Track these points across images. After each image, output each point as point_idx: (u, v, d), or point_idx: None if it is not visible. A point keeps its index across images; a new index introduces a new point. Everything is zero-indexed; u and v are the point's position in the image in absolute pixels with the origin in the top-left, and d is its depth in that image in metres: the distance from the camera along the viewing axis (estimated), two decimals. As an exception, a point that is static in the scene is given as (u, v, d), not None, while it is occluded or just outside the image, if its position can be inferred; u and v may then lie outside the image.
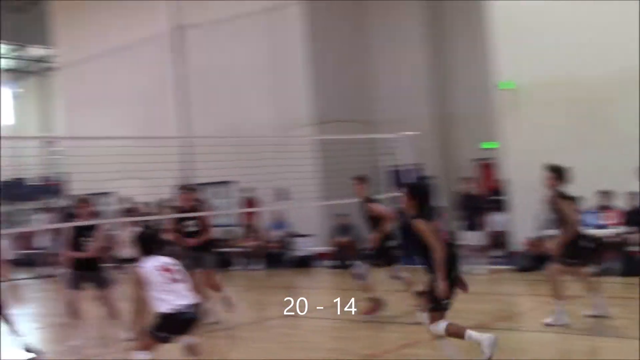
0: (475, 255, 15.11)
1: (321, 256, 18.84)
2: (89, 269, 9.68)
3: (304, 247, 18.95)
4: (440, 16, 20.45)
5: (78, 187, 21.65)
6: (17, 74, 40.05)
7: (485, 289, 13.12)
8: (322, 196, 17.73)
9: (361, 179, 10.85)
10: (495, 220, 17.18)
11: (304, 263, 18.74)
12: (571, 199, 9.11)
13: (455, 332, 6.92)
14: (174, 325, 6.50)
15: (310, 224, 18.93)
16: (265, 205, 18.67)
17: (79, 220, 9.94)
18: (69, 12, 26.51)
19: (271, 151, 17.24)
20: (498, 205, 16.93)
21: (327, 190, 17.57)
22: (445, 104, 20.37)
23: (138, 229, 8.02)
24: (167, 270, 6.64)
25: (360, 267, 10.58)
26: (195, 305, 6.63)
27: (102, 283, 9.74)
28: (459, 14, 20.05)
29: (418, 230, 6.94)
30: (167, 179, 16.93)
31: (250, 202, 19.05)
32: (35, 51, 37.06)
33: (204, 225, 11.10)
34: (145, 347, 6.51)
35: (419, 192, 7.35)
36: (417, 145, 14.93)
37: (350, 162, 17.66)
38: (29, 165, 33.56)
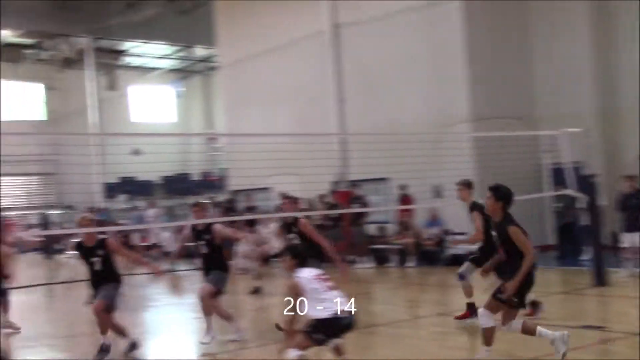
0: (634, 257, 14.36)
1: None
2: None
3: (459, 246, 18.68)
4: (605, 11, 19.58)
5: (237, 182, 22.39)
6: (181, 73, 41.89)
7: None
8: (477, 194, 17.40)
9: (467, 184, 10.58)
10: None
11: (459, 261, 18.46)
12: None
13: (528, 329, 7.41)
14: (331, 329, 6.80)
15: (465, 222, 18.66)
16: (419, 203, 18.55)
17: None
18: (231, 13, 27.42)
19: (427, 148, 17.15)
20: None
21: (483, 189, 17.22)
22: (610, 99, 19.51)
23: (290, 243, 8.27)
24: (322, 279, 6.95)
25: (466, 268, 10.27)
26: (351, 311, 6.84)
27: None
28: (625, 9, 19.12)
29: (513, 235, 7.32)
30: (323, 175, 17.17)
31: (405, 199, 19.00)
32: (199, 51, 38.59)
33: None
34: (300, 347, 6.77)
35: (503, 195, 7.72)
36: (579, 142, 14.42)
37: (508, 159, 17.28)
38: (192, 161, 35.09)
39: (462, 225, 18.70)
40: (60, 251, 31.61)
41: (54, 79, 38.51)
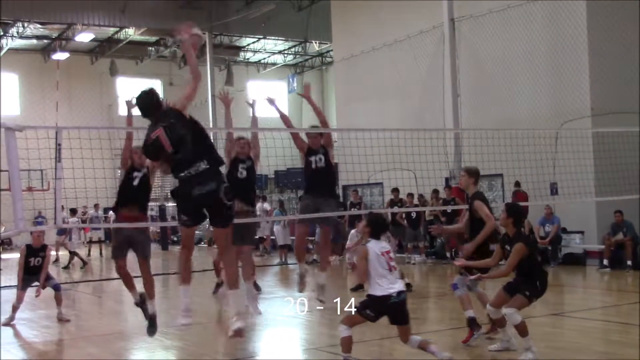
0: None
1: (592, 254, 17.95)
2: None
3: (575, 244, 18.14)
4: None
5: (348, 177, 22.44)
6: (296, 68, 42.35)
7: None
8: (595, 191, 16.86)
9: (469, 172, 9.52)
10: None
11: (575, 260, 17.95)
12: None
13: (522, 330, 7.83)
14: (380, 307, 7.08)
15: (581, 220, 18.09)
16: (535, 200, 18.08)
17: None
18: (346, 8, 27.58)
19: (544, 144, 16.71)
20: None
21: (601, 186, 16.67)
22: None
23: (373, 213, 8.29)
24: (388, 256, 7.15)
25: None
26: (403, 293, 7.15)
27: None
28: None
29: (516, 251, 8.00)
30: (436, 171, 16.99)
31: (519, 196, 18.56)
32: (315, 47, 38.92)
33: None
34: (351, 322, 7.19)
35: (514, 212, 8.28)
36: None
37: (630, 156, 16.64)
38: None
39: (578, 223, 18.20)
40: (176, 243, 32.71)
41: (173, 75, 39.69)
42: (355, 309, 7.21)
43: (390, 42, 24.80)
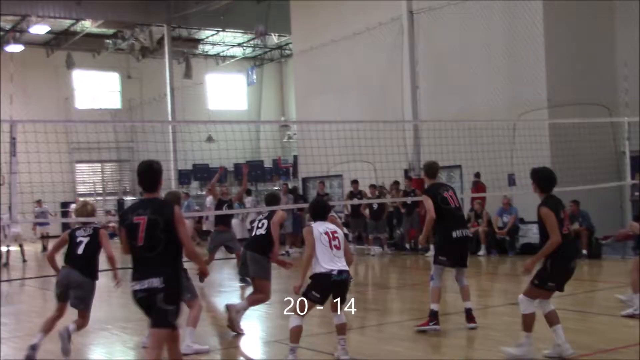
0: None
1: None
2: None
3: (532, 234, 18.34)
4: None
5: (308, 169, 22.46)
6: (255, 61, 42.18)
7: None
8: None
9: (425, 167, 9.97)
10: None
11: (532, 250, 18.14)
12: None
13: (550, 318, 7.64)
14: (324, 285, 7.47)
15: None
16: (493, 191, 18.25)
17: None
18: (306, 1, 27.47)
19: (502, 136, 16.86)
20: None
21: (557, 176, 16.88)
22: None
23: (315, 198, 8.89)
24: (330, 235, 7.63)
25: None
26: (345, 272, 7.56)
27: None
28: None
29: (540, 216, 7.94)
30: (395, 163, 17.08)
31: (478, 187, 18.73)
32: (275, 39, 38.79)
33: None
34: (301, 310, 7.50)
35: (539, 176, 8.42)
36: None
37: (586, 147, 16.88)
38: (265, 149, 35.32)
39: (535, 214, 18.42)
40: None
41: (131, 68, 39.29)
42: (302, 295, 7.51)
43: (350, 34, 24.81)
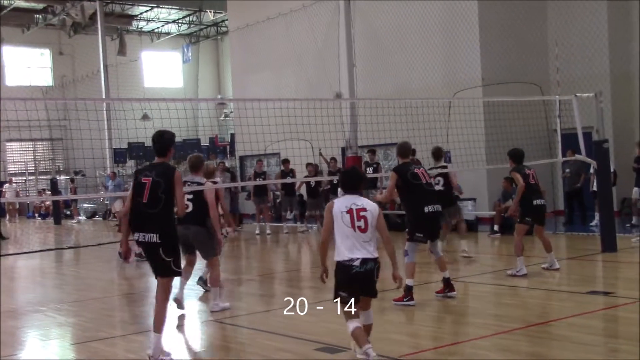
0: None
1: (484, 220, 18.53)
2: None
3: (467, 211, 18.62)
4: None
5: (245, 148, 22.36)
6: (191, 38, 41.68)
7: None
8: (486, 159, 17.36)
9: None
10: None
11: (467, 226, 18.43)
12: None
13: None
14: (343, 278, 6.29)
15: (474, 188, 18.59)
16: (428, 167, 18.40)
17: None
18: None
19: (437, 113, 17.02)
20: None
21: (492, 154, 17.18)
22: (624, 65, 19.27)
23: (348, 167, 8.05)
24: (353, 213, 6.31)
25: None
26: (370, 261, 6.28)
27: None
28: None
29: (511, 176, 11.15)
30: (332, 141, 17.09)
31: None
32: (210, 16, 38.38)
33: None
34: (348, 316, 6.33)
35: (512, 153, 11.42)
36: (591, 107, 14.28)
37: (519, 124, 17.16)
38: (202, 127, 35.03)
39: (470, 191, 18.71)
40: (68, 217, 31.86)
41: (63, 44, 38.41)
42: (334, 298, 6.41)
43: (286, 11, 24.67)
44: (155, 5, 36.34)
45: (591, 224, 17.15)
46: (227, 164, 25.66)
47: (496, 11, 19.43)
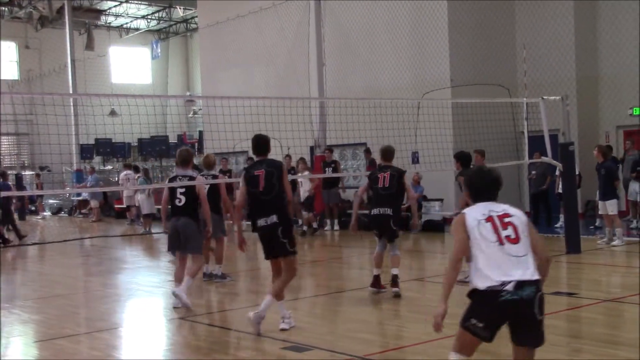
0: (608, 225, 14.49)
1: (451, 221, 18.64)
2: None
3: (434, 212, 18.74)
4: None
5: (214, 145, 22.28)
6: (160, 34, 41.42)
7: (619, 261, 12.66)
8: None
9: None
10: (635, 191, 16.52)
11: (434, 227, 18.56)
12: None
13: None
14: (490, 311, 4.62)
15: (441, 188, 18.71)
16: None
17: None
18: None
19: (406, 114, 17.09)
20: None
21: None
22: (592, 66, 19.51)
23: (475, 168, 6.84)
24: (496, 220, 4.75)
25: None
26: (531, 285, 4.56)
27: None
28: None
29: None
30: (301, 140, 17.09)
31: (374, 164, 19.02)
32: (180, 12, 38.16)
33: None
34: (459, 344, 4.78)
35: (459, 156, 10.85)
36: (559, 109, 14.42)
37: (487, 126, 17.29)
38: (170, 124, 34.84)
39: (437, 191, 18.83)
40: (33, 212, 31.44)
41: (29, 38, 37.95)
42: (460, 322, 4.77)
43: (256, 9, 24.63)
44: (124, 1, 36.04)
45: (556, 225, 17.33)
46: (195, 161, 25.51)
47: (465, 13, 19.58)
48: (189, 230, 9.45)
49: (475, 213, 4.78)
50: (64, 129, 22.77)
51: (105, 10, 38.06)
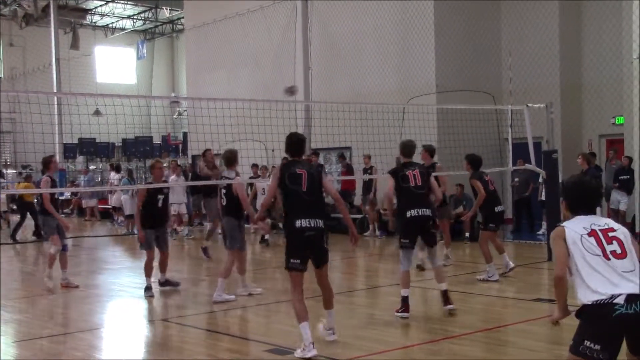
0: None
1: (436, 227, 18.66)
2: None
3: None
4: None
5: (199, 147, 22.22)
6: (146, 34, 41.30)
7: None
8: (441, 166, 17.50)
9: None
10: (617, 199, 16.62)
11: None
12: None
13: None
14: (604, 329, 4.38)
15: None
16: (383, 173, 18.51)
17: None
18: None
19: (391, 119, 17.13)
20: (626, 184, 16.39)
21: (444, 160, 17.33)
22: (576, 75, 19.63)
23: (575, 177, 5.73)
24: (600, 235, 4.54)
25: None
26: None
27: None
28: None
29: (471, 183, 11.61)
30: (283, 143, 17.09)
31: (349, 169, 19.25)
32: (166, 13, 38.07)
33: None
34: None
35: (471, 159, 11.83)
36: (542, 118, 14.50)
37: (471, 132, 17.34)
38: (154, 125, 34.72)
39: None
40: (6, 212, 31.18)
41: (13, 36, 37.73)
42: (570, 347, 4.57)
43: (243, 11, 24.60)
44: (110, 0, 35.92)
45: (538, 232, 17.42)
46: (179, 162, 25.44)
47: (451, 20, 19.65)
48: (228, 227, 10.24)
49: (576, 227, 4.58)
50: (47, 127, 22.70)
51: (91, 10, 37.91)
